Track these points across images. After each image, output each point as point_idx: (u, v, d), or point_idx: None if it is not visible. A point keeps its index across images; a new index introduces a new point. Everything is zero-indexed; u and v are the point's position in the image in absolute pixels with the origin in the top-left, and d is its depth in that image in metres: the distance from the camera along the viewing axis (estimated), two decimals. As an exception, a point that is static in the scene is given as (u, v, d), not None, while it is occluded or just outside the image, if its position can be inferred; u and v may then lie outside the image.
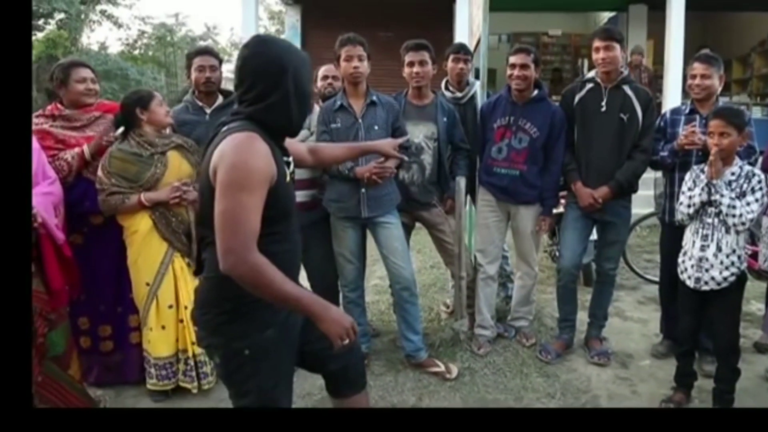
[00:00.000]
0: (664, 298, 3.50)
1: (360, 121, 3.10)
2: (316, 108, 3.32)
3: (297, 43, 10.11)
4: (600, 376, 3.26)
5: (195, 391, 2.97)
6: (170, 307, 2.91)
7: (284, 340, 1.83)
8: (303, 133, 3.20)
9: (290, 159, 1.92)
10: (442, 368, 3.22)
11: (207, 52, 3.39)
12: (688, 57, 8.73)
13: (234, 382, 1.83)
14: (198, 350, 2.94)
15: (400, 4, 9.37)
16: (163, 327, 2.92)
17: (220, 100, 3.38)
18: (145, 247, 2.85)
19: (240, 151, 1.61)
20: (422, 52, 3.29)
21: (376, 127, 3.11)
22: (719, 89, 3.20)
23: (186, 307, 2.90)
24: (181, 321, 2.93)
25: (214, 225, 1.60)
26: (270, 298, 1.63)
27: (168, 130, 3.09)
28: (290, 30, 10.33)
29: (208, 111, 3.33)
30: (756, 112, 9.52)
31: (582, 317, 3.62)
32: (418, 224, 3.65)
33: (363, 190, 3.07)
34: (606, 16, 10.81)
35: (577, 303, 3.55)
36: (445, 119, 3.36)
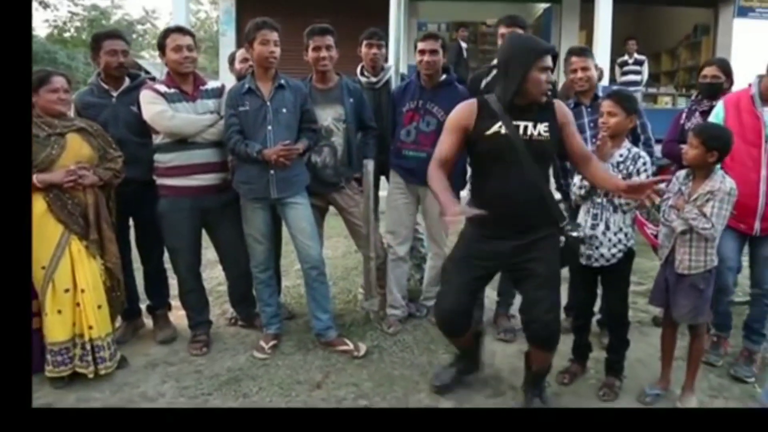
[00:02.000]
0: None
1: (268, 104, 3.12)
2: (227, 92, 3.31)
3: (231, 29, 9.98)
4: (505, 351, 3.39)
5: (91, 376, 2.91)
6: (66, 290, 2.83)
7: (473, 242, 2.66)
8: (211, 117, 3.19)
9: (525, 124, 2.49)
10: (351, 346, 3.28)
11: (116, 35, 3.30)
12: (617, 49, 9.14)
13: None
14: (95, 334, 2.90)
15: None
16: (59, 311, 2.85)
17: (127, 82, 3.32)
18: (40, 230, 2.76)
19: None
20: (327, 37, 3.33)
21: (284, 110, 3.13)
22: (596, 77, 3.38)
23: (83, 291, 2.85)
24: (78, 305, 2.87)
25: None
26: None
27: (72, 113, 3.03)
28: (225, 15, 10.15)
29: (115, 94, 3.26)
30: (681, 103, 9.96)
31: (492, 297, 3.74)
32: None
33: (272, 171, 3.10)
34: (541, 7, 11.06)
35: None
36: (351, 100, 3.41)
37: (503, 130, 2.45)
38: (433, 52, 3.39)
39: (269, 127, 3.09)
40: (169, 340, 3.46)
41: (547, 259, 2.54)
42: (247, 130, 3.10)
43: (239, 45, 9.89)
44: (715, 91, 3.49)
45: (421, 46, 3.42)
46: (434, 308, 2.79)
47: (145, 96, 3.12)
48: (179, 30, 3.18)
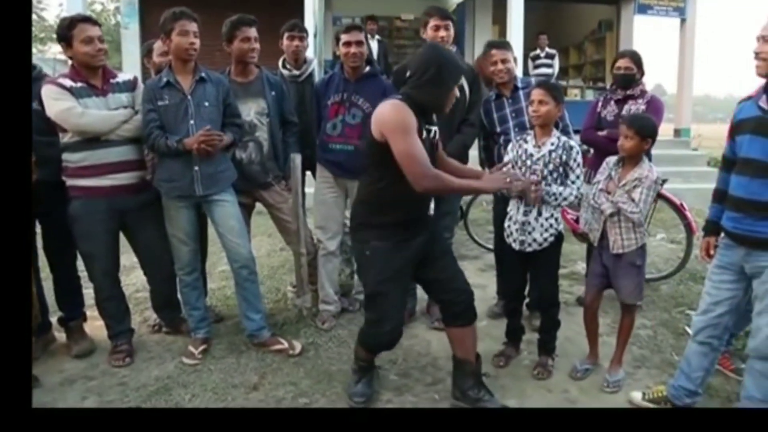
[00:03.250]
0: (498, 262, 3.73)
1: (189, 97, 2.98)
2: (140, 86, 3.12)
3: (134, 22, 9.52)
4: (441, 340, 3.38)
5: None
6: None
7: (393, 252, 2.48)
8: (125, 112, 3.00)
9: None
10: (286, 345, 3.19)
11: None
12: (528, 43, 9.49)
13: (360, 273, 2.88)
14: None
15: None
16: None
17: None
18: None
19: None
20: (253, 29, 3.24)
21: (206, 104, 3.00)
22: (515, 69, 3.47)
23: None
24: None
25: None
26: (453, 192, 2.87)
27: None
28: (127, 7, 9.65)
29: None
30: (589, 95, 10.49)
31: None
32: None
33: (196, 167, 2.97)
34: (455, 2, 11.27)
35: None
36: (273, 93, 3.33)
37: (425, 133, 2.44)
38: (359, 43, 3.35)
39: (191, 122, 2.94)
40: (86, 354, 3.22)
41: (441, 237, 2.89)
42: (168, 125, 2.94)
43: (143, 38, 9.48)
44: (628, 81, 3.69)
45: (345, 38, 3.36)
46: (374, 334, 2.61)
47: (49, 91, 2.87)
48: (88, 20, 2.93)
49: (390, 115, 2.30)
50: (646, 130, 2.72)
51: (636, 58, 3.73)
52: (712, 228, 2.59)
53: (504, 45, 3.43)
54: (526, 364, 3.13)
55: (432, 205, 3.49)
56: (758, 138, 2.26)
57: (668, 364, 3.10)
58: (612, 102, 3.77)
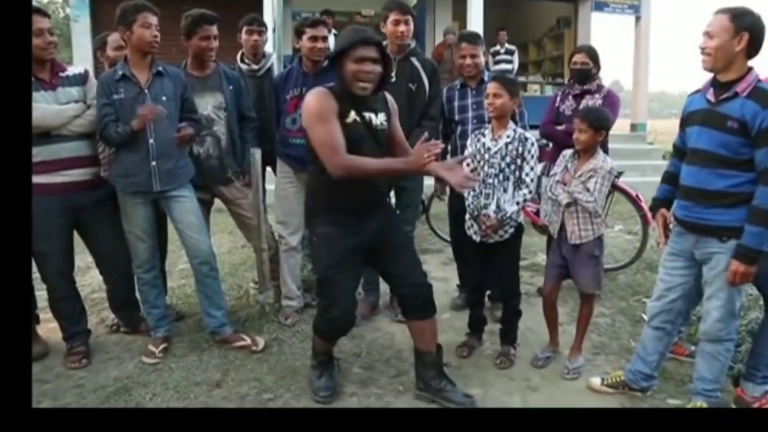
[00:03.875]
0: (457, 255, 3.76)
1: (146, 91, 2.92)
2: (92, 80, 3.04)
3: (85, 15, 9.27)
4: (404, 333, 3.36)
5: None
6: None
7: (340, 238, 2.48)
8: (76, 106, 2.91)
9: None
10: (248, 341, 3.16)
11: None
12: (488, 39, 9.59)
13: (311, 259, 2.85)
14: None
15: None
16: None
17: None
18: None
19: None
20: (214, 27, 3.20)
21: (164, 98, 2.94)
22: (483, 63, 3.51)
23: None
24: None
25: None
26: (372, 176, 2.47)
27: None
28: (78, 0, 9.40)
29: None
30: (548, 90, 10.66)
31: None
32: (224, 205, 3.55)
33: (153, 162, 2.92)
34: (415, -1, 11.31)
35: None
36: (231, 87, 3.29)
37: (358, 119, 2.44)
38: (325, 38, 3.35)
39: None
40: (39, 357, 3.10)
41: (400, 229, 2.76)
42: (123, 119, 2.87)
43: (95, 32, 9.24)
44: (585, 76, 3.76)
45: (312, 32, 3.33)
46: (325, 320, 2.59)
47: None
48: (38, 11, 2.81)
49: (306, 106, 2.41)
50: (598, 122, 2.79)
51: (592, 54, 3.81)
52: (659, 204, 2.68)
53: (475, 39, 3.45)
54: (488, 354, 3.17)
55: (392, 196, 3.52)
56: (706, 129, 2.34)
57: (626, 350, 3.19)
58: (570, 97, 3.84)
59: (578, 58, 3.78)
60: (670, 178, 2.62)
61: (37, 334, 3.25)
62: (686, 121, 2.50)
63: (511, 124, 2.96)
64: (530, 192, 2.91)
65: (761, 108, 2.18)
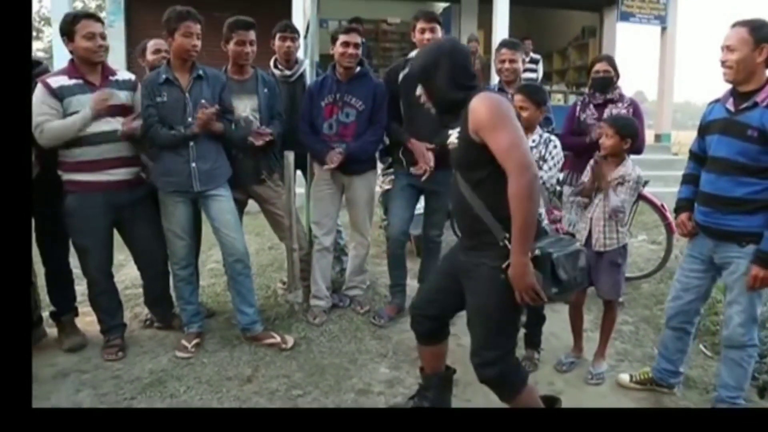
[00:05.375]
0: None
1: (187, 95, 3.04)
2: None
3: (120, 20, 9.50)
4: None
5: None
6: None
7: None
8: (81, 116, 2.92)
9: None
10: (278, 339, 3.24)
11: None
12: (512, 48, 9.65)
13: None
14: None
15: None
16: None
17: None
18: None
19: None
20: (251, 32, 3.30)
21: (203, 101, 3.05)
22: (522, 70, 3.57)
23: None
24: None
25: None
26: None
27: None
28: (112, 5, 9.62)
29: None
30: (572, 99, 10.64)
31: (414, 285, 3.82)
32: (255, 208, 3.64)
33: (193, 164, 3.03)
34: (441, 6, 11.39)
35: (407, 269, 3.76)
36: (266, 90, 3.39)
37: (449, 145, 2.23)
38: (357, 45, 3.44)
39: (189, 119, 3.00)
40: (77, 348, 3.23)
41: (479, 291, 2.12)
42: (166, 122, 3.00)
43: (129, 36, 9.48)
44: (607, 84, 3.81)
45: (344, 38, 3.43)
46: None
47: (36, 93, 2.89)
48: (91, 16, 2.97)
49: (489, 105, 1.99)
50: (625, 129, 2.85)
51: (612, 62, 3.86)
52: (683, 205, 2.72)
53: (515, 45, 3.54)
54: (512, 357, 3.21)
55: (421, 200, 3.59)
56: (725, 138, 2.42)
57: (649, 357, 3.21)
58: (591, 106, 3.88)
59: (600, 66, 3.83)
60: (692, 179, 2.68)
61: (76, 326, 3.38)
62: (706, 129, 2.57)
63: (538, 129, 3.02)
64: (553, 186, 2.96)
65: None
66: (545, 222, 2.95)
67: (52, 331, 3.40)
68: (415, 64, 2.14)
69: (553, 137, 3.02)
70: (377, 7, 11.66)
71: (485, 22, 9.99)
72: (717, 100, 2.56)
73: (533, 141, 2.96)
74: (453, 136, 2.13)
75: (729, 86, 2.47)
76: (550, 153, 2.94)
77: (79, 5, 21.51)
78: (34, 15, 22.08)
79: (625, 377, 2.92)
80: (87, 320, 3.44)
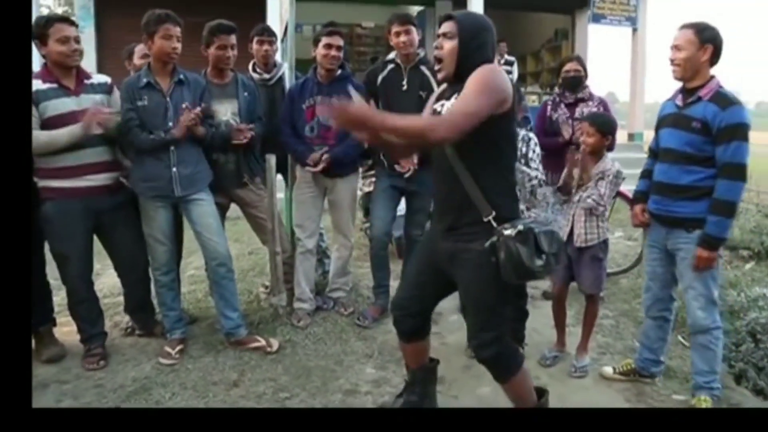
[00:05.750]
0: None
1: (168, 99, 3.02)
2: (117, 92, 3.13)
3: (90, 26, 9.38)
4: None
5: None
6: None
7: None
8: (68, 130, 2.87)
9: None
10: (263, 343, 3.23)
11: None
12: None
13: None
14: None
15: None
16: None
17: None
18: None
19: None
20: (232, 36, 3.30)
21: (184, 105, 3.03)
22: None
23: None
24: None
25: None
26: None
27: None
28: (81, 10, 9.48)
29: None
30: (545, 100, 10.79)
31: (396, 285, 3.84)
32: (234, 213, 3.63)
33: (174, 168, 3.02)
34: (415, 10, 11.47)
35: (390, 270, 3.77)
36: (246, 94, 3.39)
37: (437, 108, 2.24)
38: (339, 47, 3.45)
39: (170, 123, 2.99)
40: (57, 359, 3.16)
41: (472, 277, 2.16)
42: (146, 125, 2.97)
43: (99, 42, 9.36)
44: (577, 83, 3.91)
45: (327, 40, 3.44)
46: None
47: None
48: (64, 20, 2.93)
49: (491, 73, 2.05)
50: (605, 126, 2.93)
51: (582, 62, 3.98)
52: (638, 198, 2.89)
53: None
54: (497, 354, 3.24)
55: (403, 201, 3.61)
56: (675, 130, 2.61)
57: (630, 349, 3.28)
58: (562, 105, 3.96)
59: (570, 66, 3.92)
60: (648, 174, 2.84)
61: (54, 336, 3.31)
62: (659, 124, 2.75)
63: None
64: (540, 183, 3.03)
65: (720, 110, 2.44)
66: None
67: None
68: (464, 24, 2.11)
69: (531, 135, 3.08)
70: (351, 12, 11.70)
71: (460, 25, 10.07)
72: (669, 99, 2.74)
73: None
74: (447, 106, 2.14)
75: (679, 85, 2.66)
76: (533, 150, 2.99)
77: (45, 11, 21.22)
78: None
79: (608, 369, 2.98)
80: (65, 330, 3.39)
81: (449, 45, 2.12)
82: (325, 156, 3.43)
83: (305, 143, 3.51)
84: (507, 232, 2.03)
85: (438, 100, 2.28)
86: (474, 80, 1.99)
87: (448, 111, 2.00)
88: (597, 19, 10.39)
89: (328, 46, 3.42)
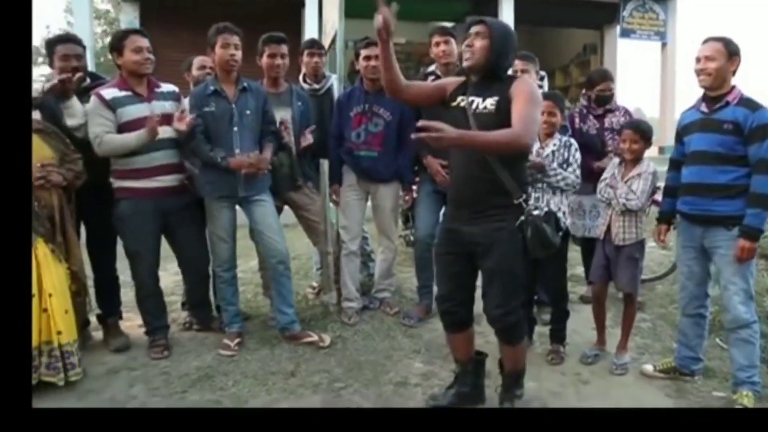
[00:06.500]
0: None
1: (233, 105, 3.24)
2: (184, 100, 3.37)
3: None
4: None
5: (62, 383, 2.84)
6: (32, 296, 2.77)
7: None
8: (137, 134, 3.11)
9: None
10: (316, 338, 3.41)
11: (69, 39, 3.27)
12: (517, 64, 9.90)
13: None
14: (64, 339, 2.84)
15: (245, 5, 9.37)
16: None
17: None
18: None
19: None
20: (282, 46, 3.52)
21: (248, 112, 3.27)
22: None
23: (51, 295, 2.78)
24: (45, 310, 2.79)
25: None
26: None
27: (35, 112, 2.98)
28: (128, 26, 9.91)
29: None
30: (574, 114, 10.86)
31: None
32: (282, 221, 3.83)
33: (241, 171, 3.21)
34: (447, 25, 11.67)
35: (433, 271, 3.92)
36: (299, 103, 3.62)
37: (461, 103, 2.50)
38: (378, 57, 3.64)
39: (235, 129, 3.21)
40: (123, 349, 3.39)
41: (498, 251, 2.40)
42: (213, 131, 3.20)
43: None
44: (609, 99, 4.05)
45: (365, 52, 3.68)
46: None
47: (90, 106, 3.11)
48: (138, 32, 3.20)
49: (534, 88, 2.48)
50: (650, 132, 3.13)
51: (613, 79, 4.15)
52: (665, 218, 3.09)
53: (527, 57, 3.75)
54: (538, 352, 3.38)
55: None
56: (705, 134, 2.78)
57: (669, 350, 3.38)
58: (591, 117, 4.10)
59: (605, 86, 4.03)
60: (672, 191, 3.02)
61: (120, 328, 3.54)
62: (684, 132, 2.93)
63: (558, 135, 3.23)
64: (578, 184, 3.17)
65: (750, 112, 2.65)
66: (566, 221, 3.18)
67: (97, 334, 3.56)
68: (495, 27, 2.44)
69: (572, 141, 3.24)
70: (382, 28, 11.95)
71: (491, 40, 10.25)
72: (689, 109, 2.94)
73: (554, 144, 3.17)
74: (489, 102, 2.42)
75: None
76: (573, 156, 3.15)
77: (98, 29, 21.96)
78: (41, 40, 22.49)
79: (648, 367, 3.10)
80: (127, 324, 3.61)
81: (480, 43, 2.42)
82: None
83: (341, 161, 3.75)
84: (536, 212, 2.40)
85: (463, 93, 2.51)
86: (526, 93, 2.36)
87: (519, 120, 2.29)
88: (626, 33, 10.50)
89: (368, 57, 3.64)
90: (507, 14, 9.57)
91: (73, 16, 8.96)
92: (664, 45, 10.66)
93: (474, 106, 2.45)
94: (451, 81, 2.66)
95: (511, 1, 9.80)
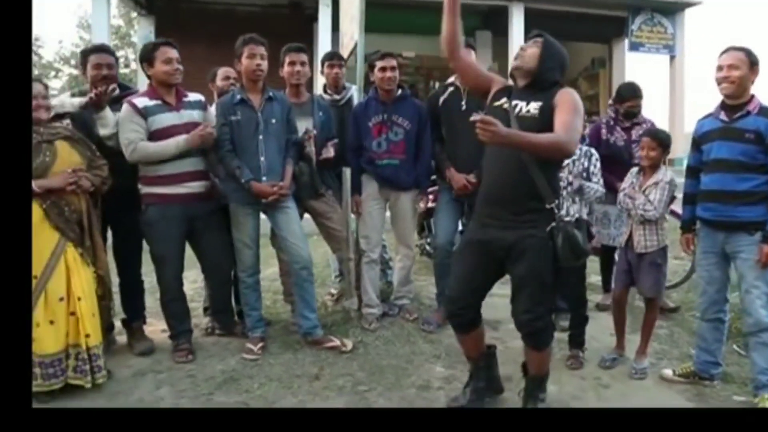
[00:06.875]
0: None
1: (259, 114, 3.32)
2: (210, 109, 3.46)
3: (151, 56, 9.94)
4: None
5: (89, 386, 2.89)
6: (61, 299, 2.82)
7: None
8: (176, 141, 3.20)
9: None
10: (338, 343, 3.46)
11: (102, 50, 3.39)
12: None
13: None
14: (92, 343, 2.90)
15: (258, 19, 9.54)
16: (52, 322, 2.80)
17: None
18: (34, 239, 2.68)
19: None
20: (302, 54, 3.62)
21: (273, 120, 3.35)
22: None
23: (79, 299, 2.85)
24: (73, 313, 2.85)
25: None
26: None
27: (66, 121, 3.09)
28: (143, 41, 10.04)
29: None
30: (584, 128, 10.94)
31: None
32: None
33: (264, 178, 3.30)
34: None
35: None
36: (321, 113, 3.71)
37: (504, 105, 2.57)
38: (393, 68, 3.76)
39: (260, 137, 3.29)
40: (147, 352, 3.45)
41: (528, 258, 2.45)
42: (239, 139, 3.29)
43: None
44: (637, 114, 4.13)
45: (381, 64, 3.78)
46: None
47: (122, 114, 3.20)
48: (168, 43, 3.30)
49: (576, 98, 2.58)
50: (667, 140, 3.20)
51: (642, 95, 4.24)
52: (688, 226, 3.15)
53: None
54: (558, 357, 3.40)
55: None
56: (726, 142, 2.82)
57: (687, 356, 3.41)
58: (618, 128, 4.18)
59: (635, 102, 4.13)
60: (691, 199, 3.06)
61: (144, 333, 3.61)
62: (702, 140, 2.98)
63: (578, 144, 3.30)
64: (603, 192, 3.26)
65: None
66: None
67: (121, 338, 3.62)
68: (549, 43, 2.59)
69: (593, 150, 3.31)
70: (393, 42, 12.06)
71: (500, 54, 10.39)
72: (706, 117, 2.98)
73: (575, 154, 3.23)
74: (532, 107, 2.51)
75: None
76: (594, 165, 3.22)
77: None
78: (54, 55, 22.82)
79: (668, 372, 3.14)
80: (150, 329, 3.68)
81: (532, 50, 2.57)
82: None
83: (361, 174, 3.84)
84: (567, 218, 2.50)
85: (508, 96, 2.60)
86: (571, 102, 2.47)
87: (563, 127, 2.38)
88: (635, 47, 10.60)
89: (383, 69, 3.74)
90: (517, 28, 9.70)
91: (86, 31, 9.19)
92: (672, 58, 10.74)
93: (517, 109, 2.54)
94: (498, 80, 2.75)
95: (521, 16, 9.93)
